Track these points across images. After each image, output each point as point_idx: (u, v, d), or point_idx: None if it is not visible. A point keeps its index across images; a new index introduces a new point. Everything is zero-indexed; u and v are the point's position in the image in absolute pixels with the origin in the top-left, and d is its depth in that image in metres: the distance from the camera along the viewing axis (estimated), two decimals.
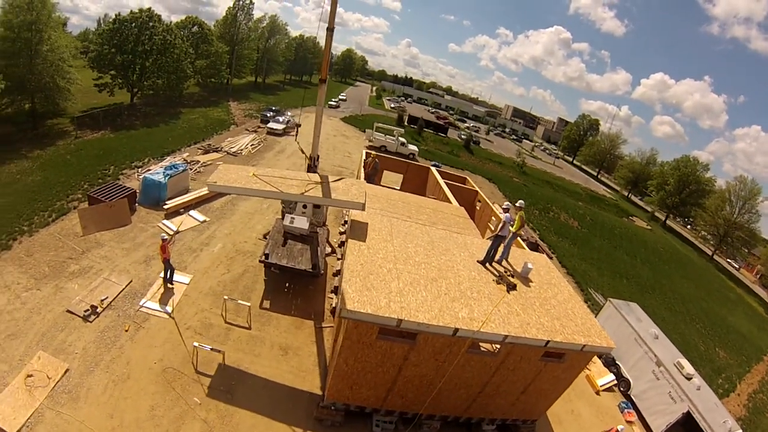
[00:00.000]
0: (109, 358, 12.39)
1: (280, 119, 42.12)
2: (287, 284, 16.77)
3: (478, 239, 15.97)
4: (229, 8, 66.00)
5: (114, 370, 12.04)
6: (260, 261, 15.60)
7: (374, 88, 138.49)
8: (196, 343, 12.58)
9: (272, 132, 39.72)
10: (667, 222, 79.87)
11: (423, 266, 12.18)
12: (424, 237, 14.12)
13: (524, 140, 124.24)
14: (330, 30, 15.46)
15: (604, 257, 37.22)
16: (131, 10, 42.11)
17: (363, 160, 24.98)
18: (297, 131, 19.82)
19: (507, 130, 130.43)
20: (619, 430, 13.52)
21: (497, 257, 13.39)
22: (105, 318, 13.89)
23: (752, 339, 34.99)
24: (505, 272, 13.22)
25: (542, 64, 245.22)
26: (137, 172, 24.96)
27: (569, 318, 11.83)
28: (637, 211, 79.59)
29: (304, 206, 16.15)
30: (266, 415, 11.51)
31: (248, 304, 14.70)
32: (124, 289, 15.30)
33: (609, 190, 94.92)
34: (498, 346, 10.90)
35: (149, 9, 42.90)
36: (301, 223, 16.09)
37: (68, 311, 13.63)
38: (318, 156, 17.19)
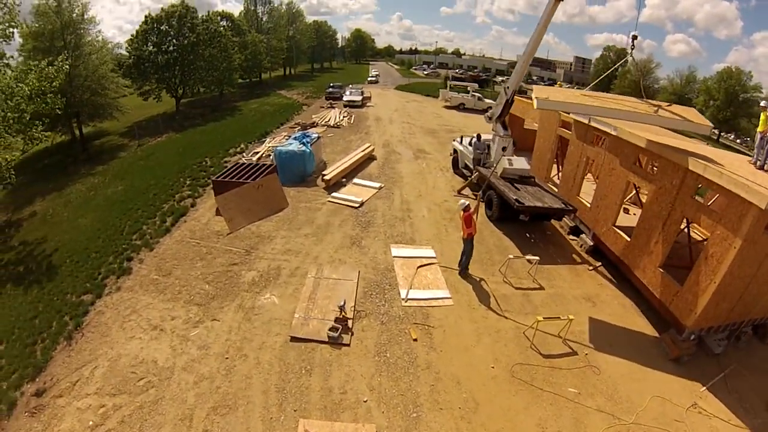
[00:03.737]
0: (422, 389, 7.46)
1: (355, 92, 39.84)
2: (527, 234, 13.82)
3: None
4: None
5: (447, 402, 7.29)
6: (516, 208, 12.64)
7: (392, 64, 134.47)
8: (539, 318, 8.98)
9: (351, 104, 36.91)
10: (720, 140, 72.01)
11: None
12: None
13: (554, 84, 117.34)
14: None
15: None
16: (162, 8, 37.77)
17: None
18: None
19: (534, 78, 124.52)
20: None
21: None
22: (365, 332, 8.72)
23: None
24: None
25: (539, 7, 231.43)
26: (243, 156, 19.84)
27: None
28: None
29: (503, 148, 15.12)
30: (635, 362, 9.15)
31: (537, 258, 11.58)
32: (357, 283, 10.04)
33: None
34: None
35: (183, 1, 38.24)
36: (521, 163, 14.89)
37: (294, 338, 8.40)
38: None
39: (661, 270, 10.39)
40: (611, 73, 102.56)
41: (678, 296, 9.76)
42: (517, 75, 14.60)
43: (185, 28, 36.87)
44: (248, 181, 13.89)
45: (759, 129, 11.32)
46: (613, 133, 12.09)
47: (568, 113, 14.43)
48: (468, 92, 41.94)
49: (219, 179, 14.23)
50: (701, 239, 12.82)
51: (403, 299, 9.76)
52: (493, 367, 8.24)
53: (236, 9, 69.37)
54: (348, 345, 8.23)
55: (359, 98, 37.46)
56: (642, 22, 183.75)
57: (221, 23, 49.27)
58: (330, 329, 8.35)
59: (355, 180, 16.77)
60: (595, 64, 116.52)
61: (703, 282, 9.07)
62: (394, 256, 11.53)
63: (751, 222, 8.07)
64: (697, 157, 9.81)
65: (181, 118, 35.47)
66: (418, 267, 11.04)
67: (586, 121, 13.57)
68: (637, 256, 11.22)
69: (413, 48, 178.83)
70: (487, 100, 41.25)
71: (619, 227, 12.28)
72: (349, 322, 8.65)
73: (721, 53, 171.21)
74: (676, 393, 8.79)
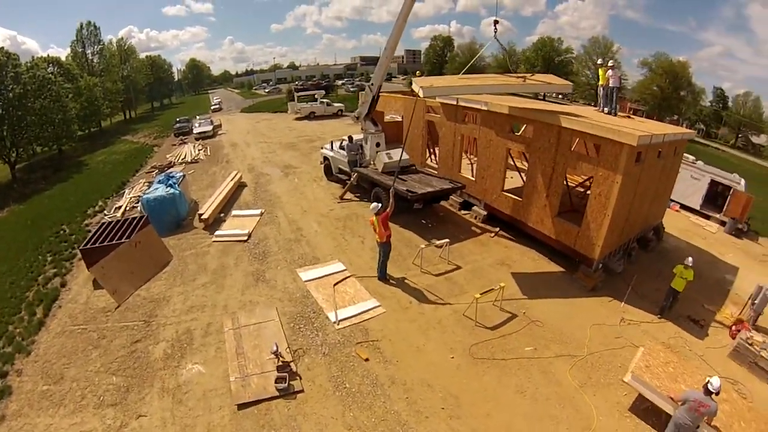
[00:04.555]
0: (399, 406, 7.06)
1: (204, 122, 38.02)
2: (423, 221, 14.30)
3: None
4: (73, 42, 56.03)
5: (428, 408, 7.04)
6: (411, 198, 12.85)
7: (231, 89, 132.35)
8: (477, 295, 9.29)
9: (203, 136, 35.00)
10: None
11: None
12: None
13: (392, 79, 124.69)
14: None
15: None
16: None
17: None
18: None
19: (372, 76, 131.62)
20: None
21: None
22: (312, 370, 7.86)
23: None
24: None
25: (366, 11, 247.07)
26: (105, 214, 17.00)
27: None
28: None
29: (377, 144, 15.32)
30: (563, 303, 10.18)
31: (446, 240, 11.96)
32: (280, 321, 9.14)
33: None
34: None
35: (1, 48, 31.76)
36: (399, 155, 14.71)
37: (241, 405, 7.16)
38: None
39: (558, 218, 11.44)
40: (440, 61, 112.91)
41: (579, 236, 10.82)
42: (381, 71, 14.59)
43: (8, 78, 30.74)
44: (122, 241, 11.67)
45: (600, 83, 13.56)
46: (485, 108, 12.85)
47: (445, 97, 14.94)
48: (316, 100, 42.55)
49: (87, 247, 11.65)
50: (575, 185, 14.45)
51: (334, 323, 9.01)
52: (452, 357, 8.08)
53: (61, 54, 59.96)
54: (302, 391, 7.24)
55: (210, 128, 35.74)
56: (459, 11, 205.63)
57: (49, 69, 42.00)
58: (276, 381, 7.25)
59: (234, 212, 15.38)
60: (425, 53, 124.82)
61: (598, 218, 10.15)
62: (306, 281, 10.69)
63: (626, 159, 9.30)
64: (564, 114, 10.94)
65: (21, 186, 29.28)
66: (335, 285, 10.38)
67: (454, 103, 14.25)
68: (533, 213, 12.18)
69: (249, 69, 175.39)
70: (336, 105, 42.91)
71: (506, 191, 13.22)
72: (292, 366, 7.65)
73: (531, 27, 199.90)
74: (605, 316, 9.85)
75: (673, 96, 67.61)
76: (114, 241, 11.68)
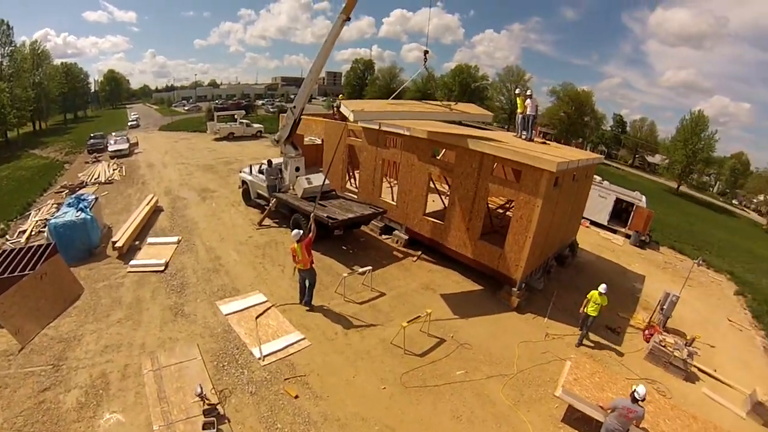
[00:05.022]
0: None
1: (120, 139, 35.87)
2: (344, 247, 14.29)
3: None
4: None
5: None
6: (332, 225, 12.71)
7: (150, 104, 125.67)
8: (404, 324, 9.71)
9: (119, 154, 33.01)
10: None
11: None
12: None
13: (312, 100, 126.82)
14: None
15: None
16: None
17: (333, 107, 22.85)
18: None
19: (292, 96, 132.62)
20: None
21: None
22: (241, 411, 7.43)
23: None
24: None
25: (290, 31, 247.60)
26: (6, 241, 15.31)
27: None
28: None
29: (297, 168, 15.13)
30: (489, 323, 10.67)
31: (369, 267, 11.98)
32: (203, 360, 8.58)
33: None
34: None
35: None
36: (320, 179, 14.47)
37: None
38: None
39: (481, 241, 11.97)
40: (360, 84, 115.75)
41: (502, 258, 11.38)
42: (304, 93, 14.35)
43: None
44: (25, 272, 10.41)
45: (519, 110, 14.38)
46: (407, 133, 13.15)
47: (370, 122, 15.11)
48: (236, 120, 42.08)
49: None
50: (495, 206, 15.27)
51: (259, 359, 8.62)
52: (384, 388, 8.03)
53: None
54: None
55: (126, 146, 33.78)
56: (381, 36, 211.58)
57: None
58: (204, 426, 6.73)
59: (150, 239, 14.33)
60: (345, 76, 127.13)
61: (520, 240, 10.75)
62: (227, 314, 10.17)
63: (546, 184, 9.99)
64: (486, 140, 11.53)
65: None
66: (257, 317, 10.01)
67: (376, 128, 14.39)
68: (455, 236, 12.61)
69: (170, 85, 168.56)
70: (255, 125, 42.59)
71: (428, 215, 13.61)
72: (220, 408, 7.20)
73: (449, 54, 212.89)
74: (530, 333, 10.43)
75: (578, 121, 76.04)
76: (16, 273, 10.42)
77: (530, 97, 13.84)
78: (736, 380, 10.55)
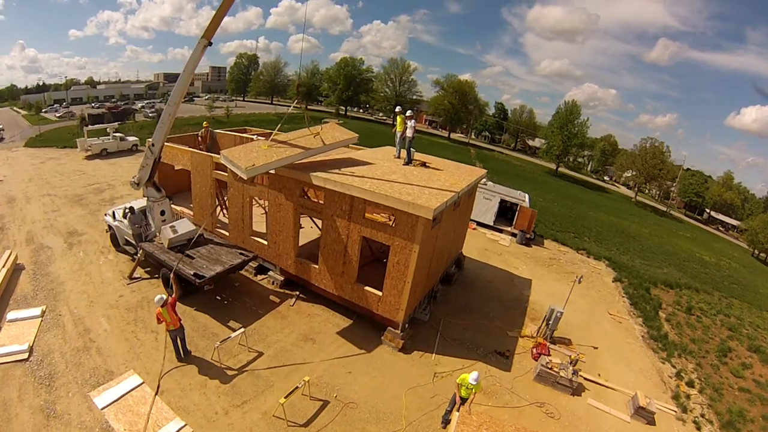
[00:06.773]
0: None
1: None
2: (218, 297, 13.23)
3: None
4: None
5: None
6: (199, 284, 11.44)
7: (18, 109, 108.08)
8: (282, 400, 8.58)
9: None
10: (348, 114, 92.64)
11: None
12: None
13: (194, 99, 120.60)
14: None
15: None
16: None
17: (199, 136, 20.71)
18: None
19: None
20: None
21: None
22: None
23: None
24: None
25: (174, 22, 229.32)
26: None
27: None
28: (324, 115, 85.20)
29: (162, 212, 14.02)
30: (375, 374, 10.28)
31: (241, 329, 11.24)
32: None
33: (295, 109, 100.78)
34: None
35: None
36: (186, 226, 13.72)
37: None
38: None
39: (359, 285, 11.40)
40: (244, 79, 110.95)
41: (382, 302, 10.97)
42: (163, 128, 12.58)
43: None
44: None
45: (398, 129, 13.82)
46: (272, 171, 11.99)
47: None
48: (108, 134, 38.33)
49: None
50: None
51: None
52: None
53: None
54: None
55: None
56: (269, 27, 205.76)
57: None
58: None
59: (9, 315, 11.53)
60: (230, 71, 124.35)
61: (398, 285, 10.39)
62: (102, 409, 8.60)
63: (422, 229, 9.64)
64: (357, 178, 10.81)
65: None
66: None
67: None
68: (332, 279, 11.93)
69: (41, 83, 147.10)
70: (129, 139, 39.40)
71: (302, 257, 12.77)
72: None
73: (337, 45, 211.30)
74: (418, 375, 10.20)
75: (462, 110, 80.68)
76: None
77: (411, 118, 13.31)
78: (620, 379, 11.47)
